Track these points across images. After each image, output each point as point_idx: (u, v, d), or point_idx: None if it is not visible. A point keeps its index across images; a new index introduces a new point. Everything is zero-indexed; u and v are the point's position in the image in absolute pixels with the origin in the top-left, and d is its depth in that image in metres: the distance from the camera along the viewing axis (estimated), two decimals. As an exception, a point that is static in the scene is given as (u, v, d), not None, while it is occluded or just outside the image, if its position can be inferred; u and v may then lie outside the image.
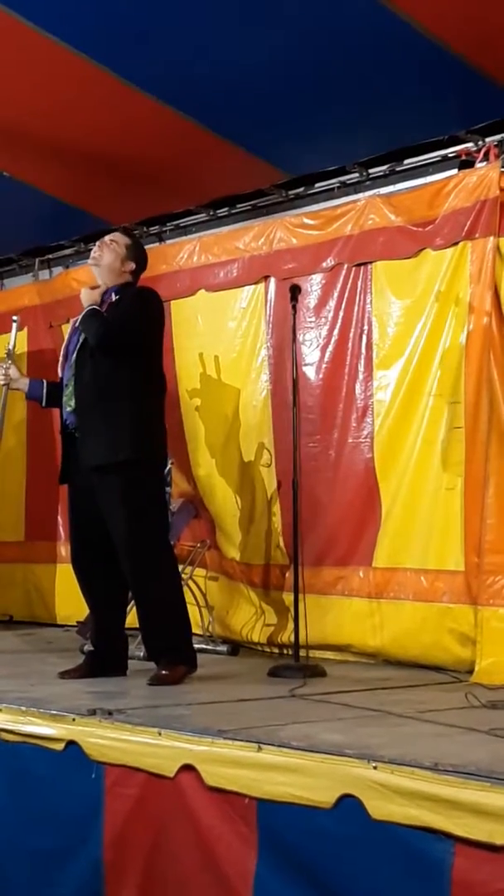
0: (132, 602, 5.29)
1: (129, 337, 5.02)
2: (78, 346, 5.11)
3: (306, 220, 6.21)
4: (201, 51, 5.33)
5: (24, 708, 4.13)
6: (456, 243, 5.42)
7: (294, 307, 5.61)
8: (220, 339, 6.53)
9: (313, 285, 6.10)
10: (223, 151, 6.09)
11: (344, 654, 5.82)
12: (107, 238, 5.23)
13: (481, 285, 5.30)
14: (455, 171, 5.62)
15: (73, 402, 5.09)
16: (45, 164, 6.59)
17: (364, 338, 5.87)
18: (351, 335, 5.93)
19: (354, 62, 5.26)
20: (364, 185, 6.24)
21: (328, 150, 6.08)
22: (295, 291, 5.63)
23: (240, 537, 6.44)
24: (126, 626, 5.30)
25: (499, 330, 5.17)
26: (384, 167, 6.14)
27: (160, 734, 3.65)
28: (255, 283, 6.38)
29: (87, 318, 5.06)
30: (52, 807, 3.87)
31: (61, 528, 7.62)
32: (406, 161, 6.07)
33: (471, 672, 5.03)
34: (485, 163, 5.45)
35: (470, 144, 5.66)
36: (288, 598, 5.77)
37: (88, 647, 5.39)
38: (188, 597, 5.81)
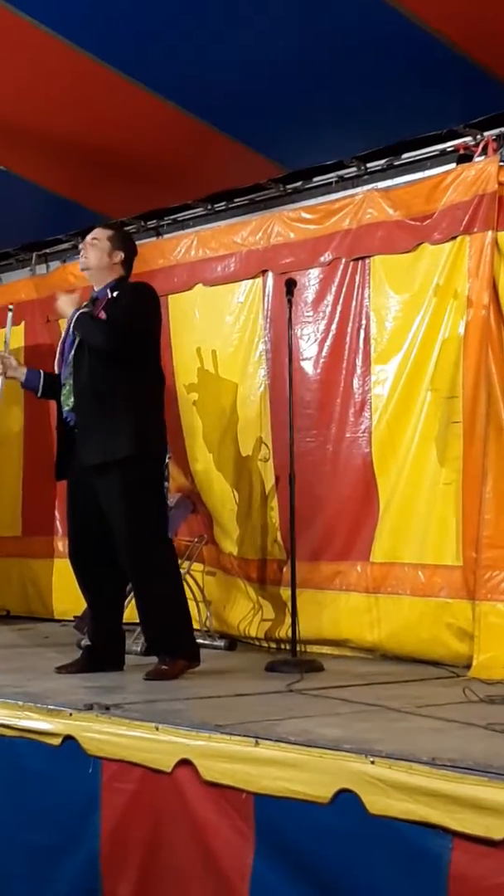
0: (129, 597, 5.29)
1: (134, 337, 5.00)
2: (75, 345, 5.09)
3: (304, 215, 6.21)
4: (199, 45, 5.32)
5: (21, 703, 4.13)
6: (454, 237, 5.42)
7: (290, 301, 5.60)
8: (217, 334, 6.52)
9: (311, 280, 6.09)
10: (221, 146, 6.08)
11: (341, 649, 5.81)
12: (88, 238, 5.21)
13: (479, 279, 5.29)
14: (453, 165, 5.62)
15: (71, 401, 5.08)
16: (42, 159, 6.58)
17: (362, 332, 5.86)
18: (349, 330, 5.92)
19: (352, 56, 5.24)
20: (362, 180, 6.23)
21: (326, 144, 6.06)
22: (290, 285, 5.62)
23: (237, 532, 6.44)
24: (123, 620, 5.30)
25: (497, 324, 5.17)
26: (382, 161, 6.13)
27: (157, 729, 3.65)
28: (253, 277, 6.37)
29: (83, 323, 5.03)
30: (49, 802, 3.87)
31: (58, 523, 7.62)
32: (404, 155, 6.06)
33: (468, 667, 5.03)
34: (483, 157, 5.44)
35: (468, 138, 5.65)
36: (285, 592, 5.77)
37: (85, 641, 5.38)
38: (185, 592, 5.80)
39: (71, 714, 3.93)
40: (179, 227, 7.17)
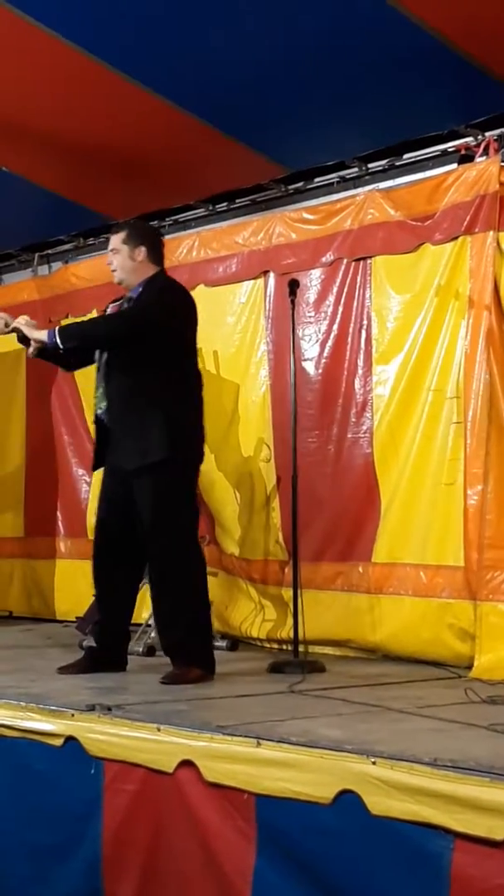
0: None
1: (147, 330, 4.91)
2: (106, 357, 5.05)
3: (305, 215, 6.21)
4: (200, 46, 5.32)
5: (23, 703, 4.13)
6: (455, 238, 5.42)
7: (293, 302, 5.59)
8: (219, 334, 6.52)
9: (313, 280, 6.09)
10: (222, 146, 6.08)
11: (343, 650, 5.82)
12: (108, 250, 5.16)
13: (481, 280, 5.29)
14: (455, 165, 5.62)
15: (104, 404, 5.05)
16: (43, 159, 6.59)
17: (363, 333, 5.86)
18: (350, 330, 5.93)
19: (354, 57, 5.25)
20: (363, 180, 6.23)
21: (327, 144, 6.07)
22: (293, 286, 5.61)
23: (239, 532, 6.44)
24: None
25: (498, 325, 5.16)
26: (383, 162, 6.13)
27: (159, 730, 3.64)
28: (255, 278, 6.38)
29: (66, 335, 4.94)
30: (51, 802, 3.87)
31: (60, 524, 7.62)
32: (405, 156, 6.06)
33: (470, 667, 5.02)
34: (484, 157, 5.44)
35: (469, 139, 5.65)
36: (287, 593, 5.77)
37: (88, 642, 5.38)
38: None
39: (73, 715, 3.93)
40: (181, 227, 7.17)
